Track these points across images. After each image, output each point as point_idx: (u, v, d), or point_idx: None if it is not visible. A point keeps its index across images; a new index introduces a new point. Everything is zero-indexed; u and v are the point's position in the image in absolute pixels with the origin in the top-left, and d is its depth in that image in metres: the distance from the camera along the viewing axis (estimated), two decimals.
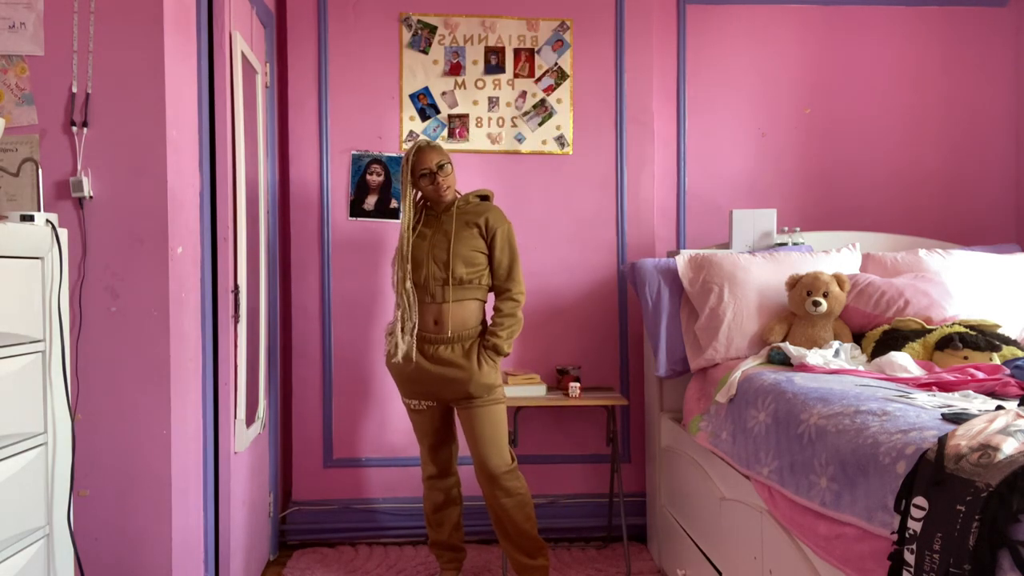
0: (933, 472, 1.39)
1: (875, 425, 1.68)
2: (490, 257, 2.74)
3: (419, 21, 3.40)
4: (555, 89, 3.44)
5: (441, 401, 2.77)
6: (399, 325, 2.70)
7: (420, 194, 2.75)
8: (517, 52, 3.42)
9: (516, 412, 3.15)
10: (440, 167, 2.66)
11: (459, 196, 2.78)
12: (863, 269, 2.99)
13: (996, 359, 2.28)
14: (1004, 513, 1.22)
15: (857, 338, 2.70)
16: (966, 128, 3.63)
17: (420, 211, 2.77)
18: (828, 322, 2.69)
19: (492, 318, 2.76)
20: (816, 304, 2.64)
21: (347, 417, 3.42)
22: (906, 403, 1.82)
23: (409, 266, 2.67)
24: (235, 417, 2.61)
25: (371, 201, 3.39)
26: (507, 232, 2.75)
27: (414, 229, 2.72)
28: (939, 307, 2.66)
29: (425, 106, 3.40)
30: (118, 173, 2.11)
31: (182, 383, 2.22)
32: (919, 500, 1.38)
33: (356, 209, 3.39)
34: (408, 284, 2.67)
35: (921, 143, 3.62)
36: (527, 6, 3.41)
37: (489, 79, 3.41)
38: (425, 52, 3.40)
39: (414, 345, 2.68)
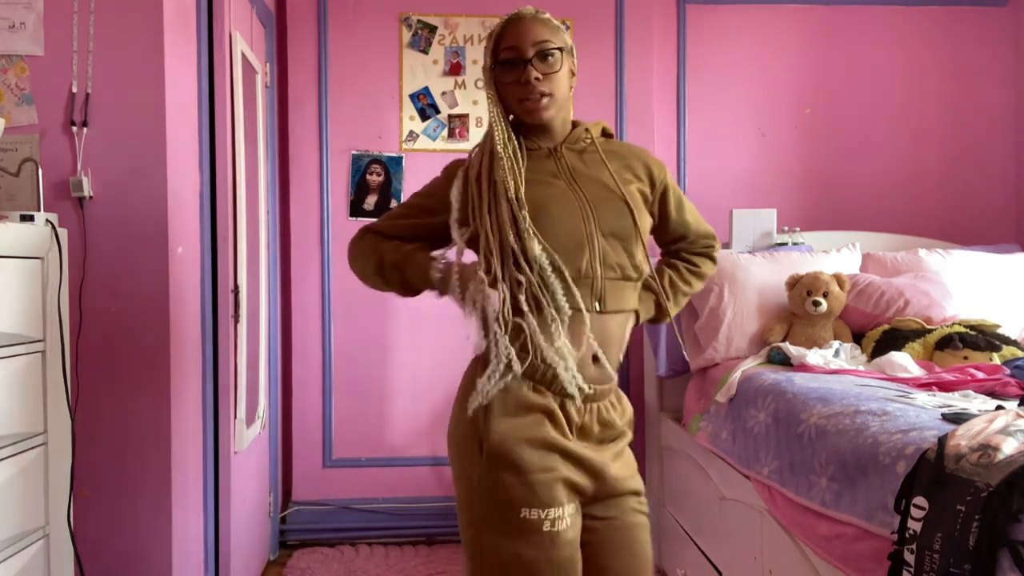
0: (933, 472, 1.39)
1: (875, 425, 1.68)
2: (663, 221, 1.66)
3: (419, 21, 3.39)
4: None
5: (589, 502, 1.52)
6: (500, 337, 1.44)
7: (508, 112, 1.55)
8: None
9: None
10: (542, 55, 1.46)
11: (574, 126, 1.60)
12: (863, 269, 2.99)
13: (996, 359, 2.28)
14: (1004, 513, 1.22)
15: (857, 338, 2.70)
16: (966, 128, 3.63)
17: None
18: (828, 322, 2.69)
19: (675, 271, 1.73)
20: (816, 304, 2.64)
21: (347, 417, 3.42)
22: (906, 403, 1.82)
23: (530, 228, 1.45)
24: (235, 417, 2.61)
25: (371, 201, 3.39)
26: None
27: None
28: (939, 307, 2.66)
29: (425, 106, 3.40)
30: (118, 173, 2.11)
31: (182, 383, 2.22)
32: (919, 500, 1.38)
33: (356, 209, 3.39)
34: (539, 250, 1.44)
35: (921, 143, 3.62)
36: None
37: None
38: (425, 52, 3.40)
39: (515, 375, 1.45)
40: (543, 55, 1.46)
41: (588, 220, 1.48)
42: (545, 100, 1.48)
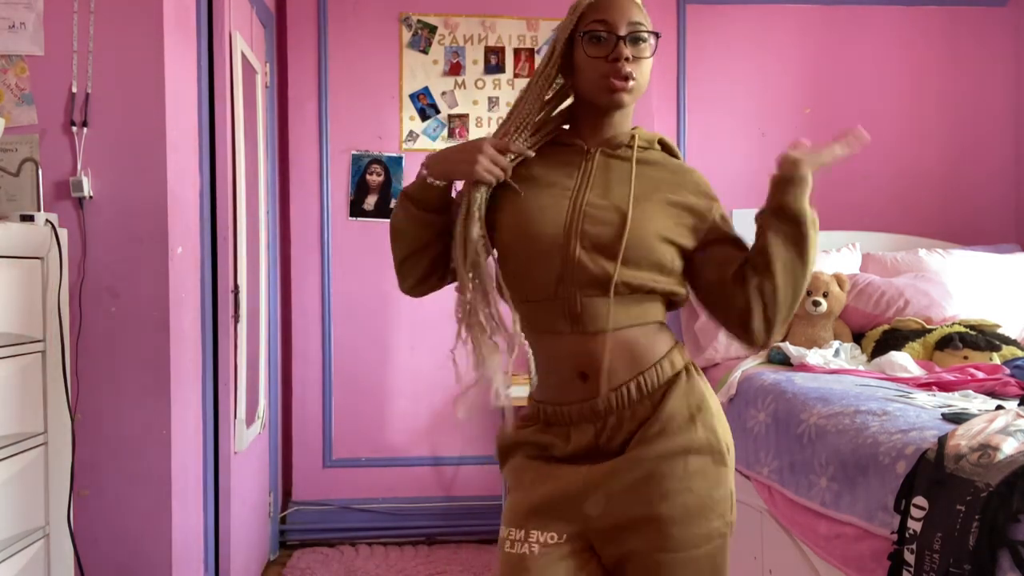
0: (933, 472, 1.39)
1: (875, 425, 1.68)
2: (715, 248, 1.41)
3: (419, 21, 3.39)
4: None
5: (595, 536, 1.33)
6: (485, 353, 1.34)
7: (560, 86, 1.40)
8: (517, 52, 3.41)
9: (517, 413, 3.14)
10: (634, 38, 1.32)
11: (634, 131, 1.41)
12: (863, 269, 2.99)
13: (996, 359, 2.29)
14: (1004, 513, 1.22)
15: (857, 338, 2.70)
16: (966, 128, 3.63)
17: (546, 127, 1.41)
18: (828, 322, 2.68)
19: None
20: (816, 304, 2.64)
21: (347, 417, 3.42)
22: (906, 403, 1.82)
23: (479, 210, 1.34)
24: (235, 417, 2.61)
25: (371, 201, 3.39)
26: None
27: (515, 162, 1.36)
28: (939, 307, 2.66)
29: (425, 106, 3.40)
30: (118, 173, 2.11)
31: (182, 383, 2.22)
32: (919, 500, 1.38)
33: (356, 209, 3.39)
34: (476, 231, 1.32)
35: (921, 143, 3.62)
36: (527, 6, 3.41)
37: (489, 79, 3.41)
38: (425, 52, 3.40)
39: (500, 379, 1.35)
40: (636, 38, 1.32)
41: (570, 231, 1.30)
42: (631, 83, 1.32)
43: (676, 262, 1.35)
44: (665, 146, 1.46)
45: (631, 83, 1.31)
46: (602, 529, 1.30)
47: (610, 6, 1.32)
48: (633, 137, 1.39)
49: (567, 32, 1.35)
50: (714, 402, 1.35)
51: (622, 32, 1.31)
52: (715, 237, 1.40)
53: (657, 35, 1.35)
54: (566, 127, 1.42)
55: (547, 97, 1.39)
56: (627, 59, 1.30)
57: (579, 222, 1.31)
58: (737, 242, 1.43)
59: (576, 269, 1.29)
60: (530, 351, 1.34)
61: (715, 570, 1.29)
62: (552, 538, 1.30)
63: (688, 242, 1.37)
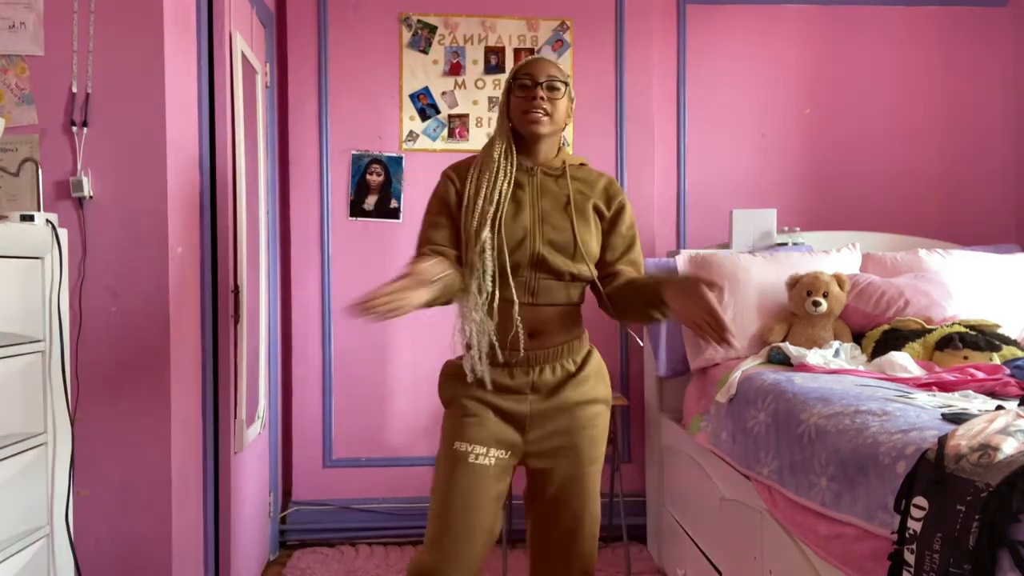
0: (933, 472, 1.39)
1: (875, 425, 1.68)
2: (613, 234, 1.95)
3: (419, 21, 3.40)
4: None
5: (530, 453, 1.88)
6: (474, 318, 1.82)
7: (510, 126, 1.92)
8: (517, 52, 3.42)
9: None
10: (550, 86, 1.83)
11: (563, 153, 1.97)
12: (863, 269, 2.99)
13: (996, 359, 2.29)
14: (1004, 513, 1.22)
15: (857, 338, 2.70)
16: (966, 128, 3.63)
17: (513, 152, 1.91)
18: (828, 322, 2.68)
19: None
20: (816, 304, 2.64)
21: (347, 417, 3.42)
22: (906, 403, 1.82)
23: (495, 235, 1.81)
24: (235, 417, 2.61)
25: (371, 201, 3.39)
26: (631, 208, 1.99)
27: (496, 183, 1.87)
28: (939, 307, 2.66)
29: (425, 106, 3.40)
30: (118, 173, 2.11)
31: (182, 383, 2.22)
32: (919, 500, 1.38)
33: (356, 209, 3.39)
34: (488, 250, 1.80)
35: (921, 143, 3.62)
36: (527, 6, 3.41)
37: (489, 79, 3.41)
38: (425, 52, 3.40)
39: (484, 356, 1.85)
40: (551, 85, 1.85)
41: (533, 230, 1.84)
42: (545, 117, 1.85)
43: (596, 253, 1.91)
44: (584, 166, 2.00)
45: (545, 117, 1.84)
46: (537, 451, 1.87)
47: (534, 65, 1.88)
48: (564, 161, 1.93)
49: (507, 85, 1.90)
50: (605, 369, 1.97)
51: (540, 80, 1.84)
52: (611, 236, 1.94)
53: (567, 83, 1.88)
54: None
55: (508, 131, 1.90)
56: (542, 98, 1.83)
57: (539, 225, 1.85)
58: (618, 238, 1.95)
59: (539, 261, 1.83)
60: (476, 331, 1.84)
61: (599, 479, 1.91)
62: (503, 454, 1.85)
63: (600, 237, 1.93)
